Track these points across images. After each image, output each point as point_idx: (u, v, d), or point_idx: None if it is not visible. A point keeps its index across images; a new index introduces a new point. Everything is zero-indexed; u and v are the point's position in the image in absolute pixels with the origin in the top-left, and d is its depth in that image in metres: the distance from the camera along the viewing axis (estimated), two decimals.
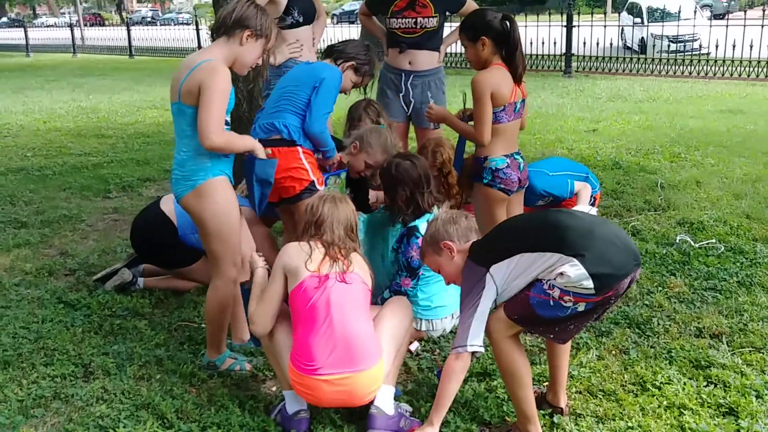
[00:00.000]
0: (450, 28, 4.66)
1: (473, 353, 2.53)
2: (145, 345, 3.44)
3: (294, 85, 3.53)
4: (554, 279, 2.39)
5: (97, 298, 3.94)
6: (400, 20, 4.49)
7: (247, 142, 3.13)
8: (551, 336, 2.58)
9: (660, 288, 3.93)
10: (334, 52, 3.76)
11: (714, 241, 4.55)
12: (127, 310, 3.84)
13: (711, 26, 13.50)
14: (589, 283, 2.34)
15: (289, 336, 2.72)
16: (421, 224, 3.33)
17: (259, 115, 3.61)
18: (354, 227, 2.85)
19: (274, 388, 3.08)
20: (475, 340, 2.51)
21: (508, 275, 2.50)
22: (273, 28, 3.08)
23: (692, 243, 4.51)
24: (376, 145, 3.76)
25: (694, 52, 14.42)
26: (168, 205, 3.97)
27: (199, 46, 19.23)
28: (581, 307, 2.41)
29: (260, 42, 3.02)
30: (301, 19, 4.08)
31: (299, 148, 3.43)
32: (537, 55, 14.55)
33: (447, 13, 4.64)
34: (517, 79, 3.40)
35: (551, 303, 2.42)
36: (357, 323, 2.68)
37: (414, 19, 4.50)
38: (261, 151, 3.17)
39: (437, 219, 2.82)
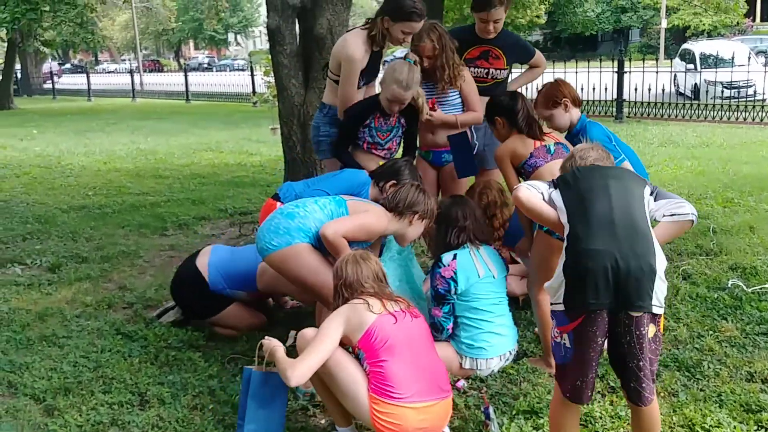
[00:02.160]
0: (513, 74, 4.80)
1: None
2: (199, 376, 3.53)
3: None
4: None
5: (154, 330, 4.07)
6: (472, 69, 4.52)
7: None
8: (568, 395, 2.53)
9: (711, 332, 3.88)
10: (373, 176, 3.92)
11: (767, 286, 4.47)
12: (182, 342, 3.95)
13: (766, 72, 13.35)
14: (561, 290, 2.43)
15: (348, 372, 2.72)
16: (446, 256, 3.46)
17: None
18: (383, 276, 2.94)
19: (323, 421, 3.13)
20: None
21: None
22: (435, 210, 3.53)
23: (744, 288, 4.44)
24: (389, 80, 3.94)
25: (748, 99, 14.23)
26: (202, 260, 4.10)
27: (254, 92, 19.80)
28: (567, 341, 2.45)
29: (425, 221, 3.48)
30: (361, 83, 4.25)
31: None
32: (588, 101, 14.57)
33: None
34: (536, 137, 3.66)
35: (553, 343, 2.56)
36: (433, 353, 2.87)
37: (486, 70, 4.56)
38: None
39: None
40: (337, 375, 2.71)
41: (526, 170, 3.63)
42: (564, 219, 2.55)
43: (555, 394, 2.65)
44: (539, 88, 4.05)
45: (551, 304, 2.53)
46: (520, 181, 3.57)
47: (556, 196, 2.61)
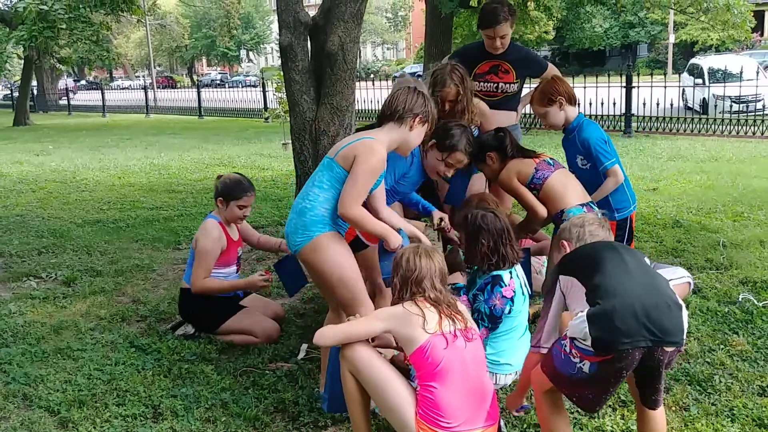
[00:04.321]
0: (528, 87, 4.83)
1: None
2: (212, 389, 3.56)
3: None
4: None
5: (167, 343, 4.11)
6: (482, 83, 4.61)
7: (378, 228, 3.16)
8: (574, 399, 2.58)
9: (722, 346, 3.87)
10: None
11: None
12: (195, 354, 3.99)
13: None
14: (588, 338, 2.37)
15: (397, 390, 2.68)
16: (505, 274, 3.21)
17: None
18: (446, 275, 2.85)
19: None
20: (548, 343, 2.70)
21: (567, 292, 2.64)
22: (435, 113, 3.36)
23: (755, 302, 4.43)
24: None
25: (757, 113, 14.21)
26: (182, 281, 4.40)
27: (266, 107, 19.95)
28: (586, 367, 2.41)
29: (426, 126, 3.31)
30: None
31: None
32: (596, 116, 14.59)
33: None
34: (531, 156, 3.76)
35: (563, 356, 2.49)
36: (485, 377, 2.77)
37: (496, 84, 4.64)
38: (393, 242, 3.16)
39: (571, 219, 3.00)
40: (386, 391, 2.67)
41: (535, 184, 3.67)
42: (576, 285, 2.58)
43: (542, 401, 2.66)
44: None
45: (572, 339, 2.45)
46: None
47: (563, 280, 2.66)
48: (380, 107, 3.37)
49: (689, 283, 2.79)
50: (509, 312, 3.20)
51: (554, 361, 2.54)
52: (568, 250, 2.86)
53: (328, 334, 2.75)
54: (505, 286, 3.18)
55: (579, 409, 3.17)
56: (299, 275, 3.96)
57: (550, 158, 3.79)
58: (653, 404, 2.60)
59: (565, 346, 2.49)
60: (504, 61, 4.63)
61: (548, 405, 2.66)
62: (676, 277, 2.80)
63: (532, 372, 2.70)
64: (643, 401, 2.62)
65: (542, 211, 3.65)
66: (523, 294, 3.28)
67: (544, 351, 2.68)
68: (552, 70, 4.80)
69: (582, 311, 2.44)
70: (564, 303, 2.67)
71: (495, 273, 3.22)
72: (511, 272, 3.23)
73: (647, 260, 2.71)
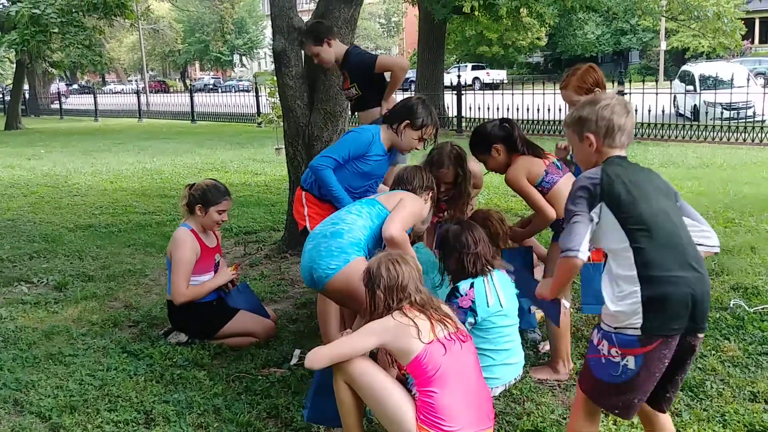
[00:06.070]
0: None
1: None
2: (204, 394, 3.55)
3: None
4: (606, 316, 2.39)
5: (159, 349, 4.10)
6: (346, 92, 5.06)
7: (413, 253, 3.30)
8: (616, 411, 2.47)
9: (713, 352, 3.89)
10: (386, 119, 4.02)
11: None
12: (187, 360, 3.97)
13: (766, 94, 13.43)
14: (638, 318, 2.29)
15: (395, 399, 2.66)
16: (463, 285, 3.27)
17: None
18: (422, 278, 2.90)
19: None
20: (584, 247, 2.38)
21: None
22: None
23: (746, 308, 4.46)
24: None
25: (748, 120, 14.31)
26: (167, 294, 4.37)
27: (258, 112, 19.96)
28: (631, 363, 2.33)
29: (432, 194, 3.72)
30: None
31: (303, 193, 4.04)
32: None
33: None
34: (541, 156, 3.68)
35: (603, 360, 2.39)
36: (481, 379, 2.78)
37: (345, 90, 5.00)
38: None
39: (593, 103, 2.58)
40: (385, 400, 2.66)
41: (543, 188, 3.60)
42: (616, 243, 2.39)
43: (578, 410, 2.55)
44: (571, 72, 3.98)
45: (615, 328, 2.36)
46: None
47: (606, 212, 2.40)
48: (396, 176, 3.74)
49: (716, 253, 2.63)
50: (474, 323, 3.22)
51: (593, 373, 2.42)
52: (595, 144, 2.53)
53: (320, 356, 2.69)
54: (461, 296, 3.23)
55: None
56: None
57: (558, 160, 3.74)
58: (667, 403, 2.52)
59: (602, 350, 2.39)
60: (344, 70, 4.94)
61: (585, 413, 2.54)
62: (708, 245, 2.53)
63: (573, 413, 2.60)
64: (658, 400, 2.51)
65: (552, 213, 3.58)
66: (488, 305, 3.24)
67: (583, 256, 2.37)
68: (385, 61, 4.81)
69: (626, 291, 2.32)
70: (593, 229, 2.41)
71: (455, 285, 3.33)
72: (473, 283, 3.25)
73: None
